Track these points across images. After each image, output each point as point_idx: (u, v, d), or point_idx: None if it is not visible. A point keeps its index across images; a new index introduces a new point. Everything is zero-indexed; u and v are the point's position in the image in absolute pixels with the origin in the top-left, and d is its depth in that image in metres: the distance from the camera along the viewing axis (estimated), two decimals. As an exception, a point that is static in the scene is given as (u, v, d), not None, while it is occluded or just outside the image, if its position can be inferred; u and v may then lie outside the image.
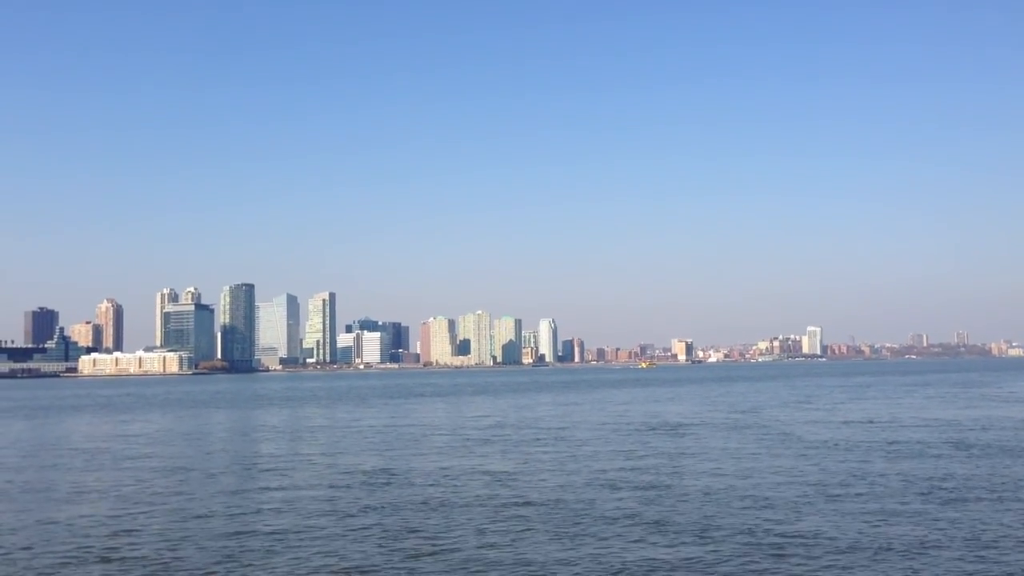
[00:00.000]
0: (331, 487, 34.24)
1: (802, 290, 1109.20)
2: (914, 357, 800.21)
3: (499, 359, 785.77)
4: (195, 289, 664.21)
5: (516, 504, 29.36)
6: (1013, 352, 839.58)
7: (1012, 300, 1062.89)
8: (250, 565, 21.48)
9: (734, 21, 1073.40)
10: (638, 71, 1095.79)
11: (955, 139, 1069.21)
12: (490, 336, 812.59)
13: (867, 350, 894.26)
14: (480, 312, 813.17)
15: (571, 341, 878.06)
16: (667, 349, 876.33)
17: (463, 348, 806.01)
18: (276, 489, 34.05)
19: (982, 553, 21.54)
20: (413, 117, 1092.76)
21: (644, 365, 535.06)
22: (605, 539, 23.67)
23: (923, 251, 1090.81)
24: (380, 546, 23.27)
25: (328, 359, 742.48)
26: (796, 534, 23.82)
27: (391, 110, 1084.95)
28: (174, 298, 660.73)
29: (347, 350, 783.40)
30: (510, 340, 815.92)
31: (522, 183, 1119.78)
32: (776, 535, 23.76)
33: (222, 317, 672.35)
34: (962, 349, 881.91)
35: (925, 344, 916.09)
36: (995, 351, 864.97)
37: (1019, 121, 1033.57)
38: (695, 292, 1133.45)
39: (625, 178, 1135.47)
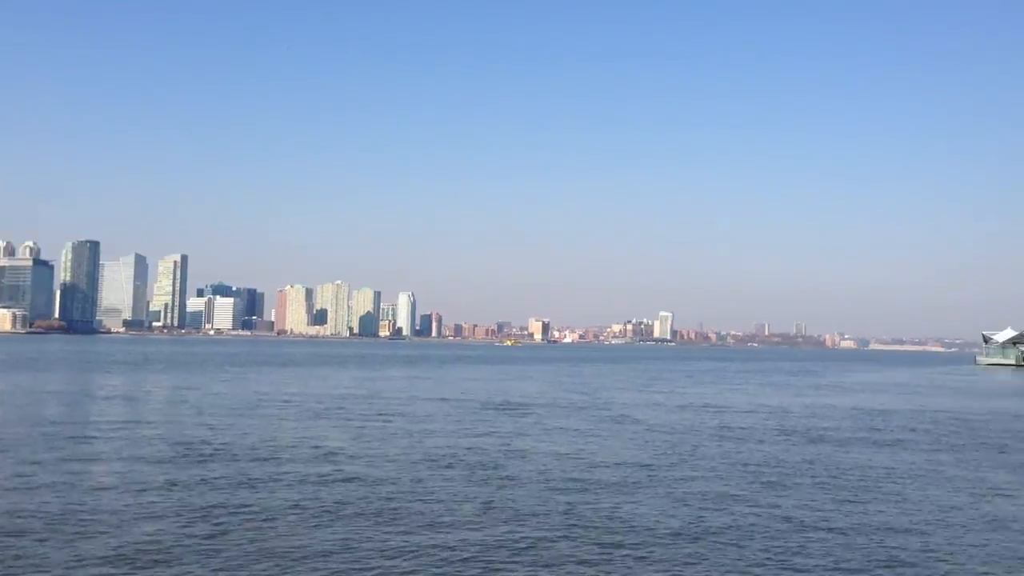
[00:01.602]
0: (140, 459, 31.91)
1: (655, 276, 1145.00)
2: (756, 345, 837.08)
3: (356, 330, 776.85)
4: (34, 244, 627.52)
5: (339, 481, 28.00)
6: (844, 344, 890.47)
7: (845, 295, 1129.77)
8: (23, 547, 19.35)
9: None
10: (507, 46, 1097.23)
11: (802, 136, 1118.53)
12: (348, 307, 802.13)
13: (713, 336, 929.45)
14: (339, 282, 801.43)
15: (429, 316, 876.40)
16: (524, 328, 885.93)
17: (320, 318, 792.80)
18: (76, 460, 31.44)
19: (797, 536, 21.73)
20: (275, 78, 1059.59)
21: (510, 343, 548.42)
22: (428, 520, 22.66)
23: (766, 245, 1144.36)
24: (179, 526, 21.48)
25: (176, 323, 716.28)
26: (623, 516, 23.51)
27: (253, 68, 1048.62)
28: (11, 252, 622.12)
29: (197, 315, 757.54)
30: (368, 312, 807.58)
31: (382, 154, 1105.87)
32: (603, 517, 23.38)
33: (63, 274, 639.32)
34: (799, 339, 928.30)
35: (767, 333, 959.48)
36: (829, 342, 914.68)
37: (890, 120, 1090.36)
38: (552, 273, 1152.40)
39: (483, 156, 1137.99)
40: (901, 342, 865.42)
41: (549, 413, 55.04)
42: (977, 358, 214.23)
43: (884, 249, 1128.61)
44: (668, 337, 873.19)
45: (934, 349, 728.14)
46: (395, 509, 23.96)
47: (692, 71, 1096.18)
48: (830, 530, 22.69)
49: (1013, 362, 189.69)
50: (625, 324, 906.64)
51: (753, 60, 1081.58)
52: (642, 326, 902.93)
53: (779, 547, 20.87)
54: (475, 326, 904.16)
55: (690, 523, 23.07)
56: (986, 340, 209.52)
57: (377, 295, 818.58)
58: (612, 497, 26.41)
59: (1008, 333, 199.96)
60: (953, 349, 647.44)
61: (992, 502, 27.30)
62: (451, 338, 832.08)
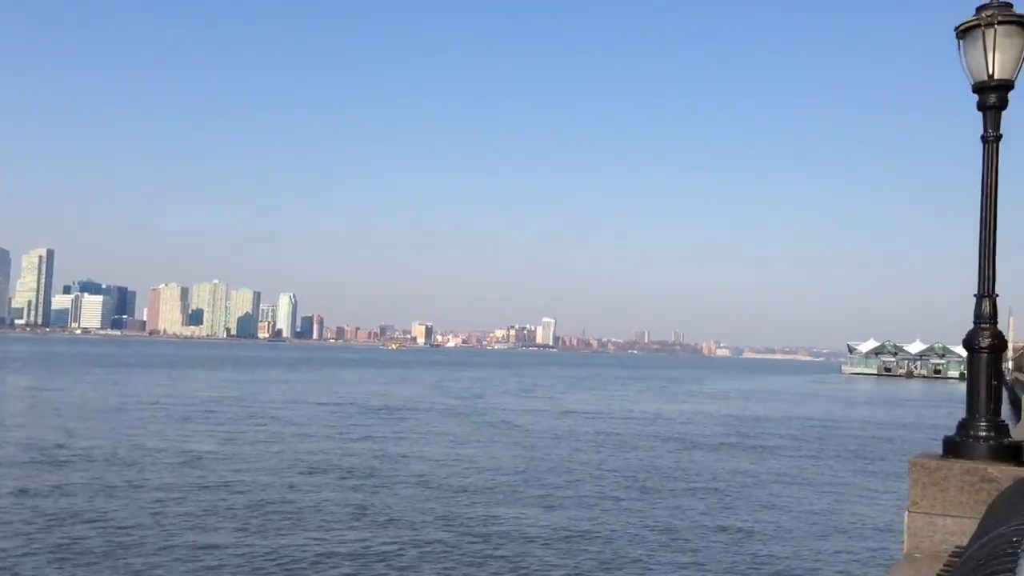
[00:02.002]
0: (-10, 464, 29.94)
1: (539, 282, 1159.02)
2: (636, 352, 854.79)
3: (234, 332, 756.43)
4: None
5: (205, 488, 26.84)
6: (720, 352, 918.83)
7: (721, 304, 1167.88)
8: None
9: None
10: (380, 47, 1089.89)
11: (686, 142, 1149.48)
12: (225, 307, 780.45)
13: (595, 343, 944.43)
14: (217, 282, 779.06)
15: (311, 318, 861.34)
16: (407, 331, 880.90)
17: (195, 318, 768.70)
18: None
19: (667, 540, 21.97)
20: (152, 64, 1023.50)
21: (395, 346, 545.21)
22: (298, 527, 21.90)
23: (647, 254, 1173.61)
24: (28, 535, 20.10)
25: (40, 322, 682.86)
26: (498, 522, 23.30)
27: (129, 56, 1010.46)
28: None
29: (63, 313, 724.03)
30: (247, 313, 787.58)
31: (261, 152, 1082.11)
32: (478, 523, 23.13)
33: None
34: (677, 347, 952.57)
35: (646, 341, 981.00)
36: (705, 350, 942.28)
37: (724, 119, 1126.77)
38: (436, 276, 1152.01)
39: (364, 155, 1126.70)
40: (773, 351, 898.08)
41: (428, 418, 54.53)
42: (842, 367, 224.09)
43: (758, 261, 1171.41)
44: (550, 343, 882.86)
45: (803, 358, 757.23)
46: (264, 516, 23.10)
47: (546, 71, 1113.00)
48: (699, 534, 23.02)
49: (875, 371, 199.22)
50: (508, 329, 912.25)
51: (613, 56, 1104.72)
52: (525, 332, 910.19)
53: (649, 552, 21.02)
54: (357, 329, 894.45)
55: (564, 528, 23.02)
56: (851, 350, 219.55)
57: (257, 296, 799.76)
58: (488, 502, 26.18)
59: (871, 344, 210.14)
60: (820, 358, 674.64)
61: (852, 506, 28.29)
62: (333, 341, 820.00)
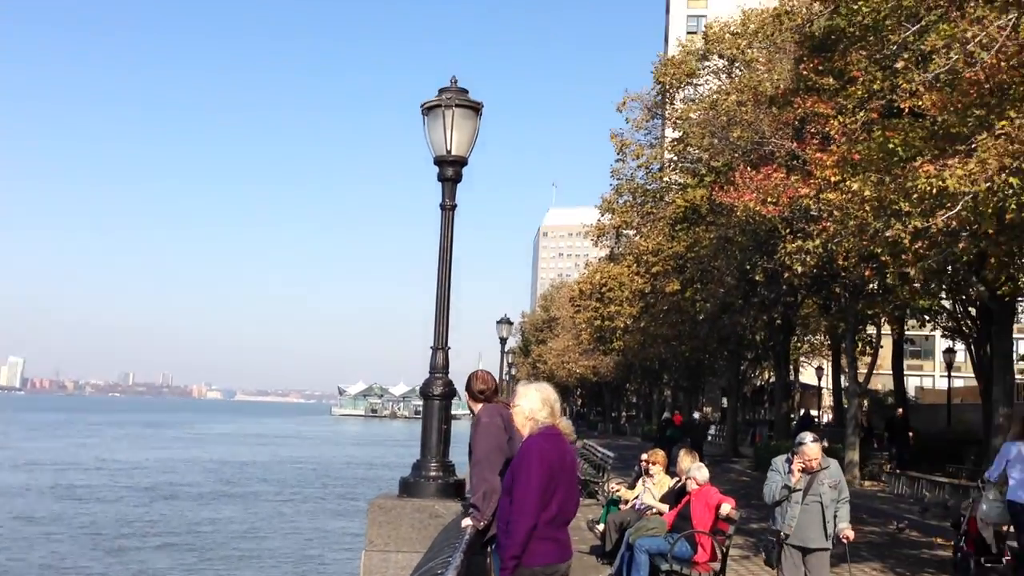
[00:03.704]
0: None
1: (4, 317, 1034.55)
2: (119, 395, 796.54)
3: None
4: None
5: None
6: (212, 394, 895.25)
7: (212, 345, 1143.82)
8: None
9: None
10: None
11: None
12: None
13: (71, 385, 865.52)
14: None
15: None
16: None
17: None
18: None
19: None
20: None
21: None
22: None
23: (130, 293, 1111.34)
24: None
25: None
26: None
27: None
28: None
29: None
30: None
31: None
32: None
33: None
34: (166, 389, 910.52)
35: (131, 383, 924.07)
36: (196, 393, 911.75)
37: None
38: None
39: None
40: (266, 393, 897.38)
41: None
42: (332, 409, 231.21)
43: (251, 303, 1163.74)
44: (17, 385, 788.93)
45: (295, 400, 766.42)
46: None
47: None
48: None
49: (363, 413, 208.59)
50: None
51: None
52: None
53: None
54: None
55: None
56: (340, 392, 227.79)
57: None
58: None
59: (360, 386, 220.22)
60: (312, 400, 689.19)
61: (329, 549, 28.64)
62: None
